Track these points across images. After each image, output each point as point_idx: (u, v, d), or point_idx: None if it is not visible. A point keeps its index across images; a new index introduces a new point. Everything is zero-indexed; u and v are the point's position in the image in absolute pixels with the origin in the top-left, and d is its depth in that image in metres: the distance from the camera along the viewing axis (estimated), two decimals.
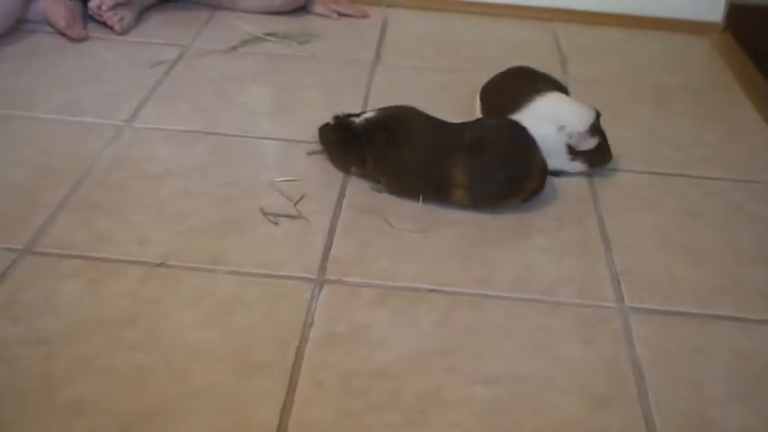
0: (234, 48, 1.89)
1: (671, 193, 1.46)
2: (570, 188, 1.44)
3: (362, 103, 1.68)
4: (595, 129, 1.42)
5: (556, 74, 1.56)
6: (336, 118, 1.40)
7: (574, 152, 1.43)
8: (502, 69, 1.59)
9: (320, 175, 1.43)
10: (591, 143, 1.42)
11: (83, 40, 1.86)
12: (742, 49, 2.05)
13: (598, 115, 1.43)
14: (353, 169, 1.41)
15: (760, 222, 1.39)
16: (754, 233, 1.36)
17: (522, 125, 1.36)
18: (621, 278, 1.24)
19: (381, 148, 1.35)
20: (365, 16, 2.13)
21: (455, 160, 1.31)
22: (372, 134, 1.35)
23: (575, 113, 1.43)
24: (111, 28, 1.90)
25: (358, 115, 1.39)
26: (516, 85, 1.50)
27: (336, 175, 1.43)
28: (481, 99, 1.56)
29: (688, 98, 1.82)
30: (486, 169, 1.31)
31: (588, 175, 1.47)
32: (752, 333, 1.15)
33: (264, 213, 1.31)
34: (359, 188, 1.40)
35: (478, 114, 1.54)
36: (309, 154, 1.47)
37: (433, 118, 1.38)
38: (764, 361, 1.10)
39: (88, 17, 1.91)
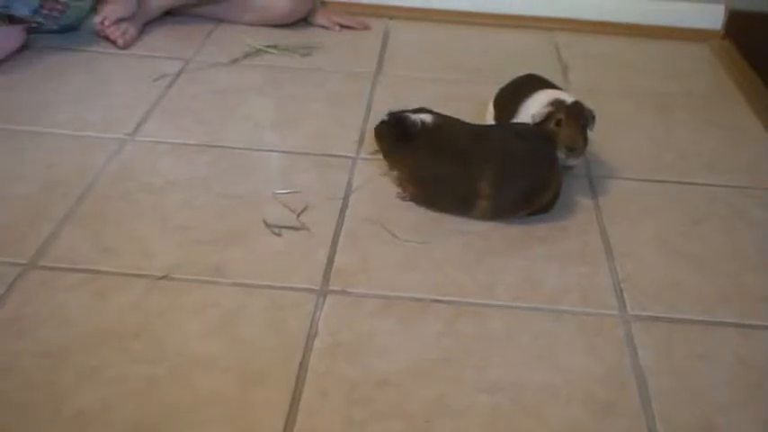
0: (236, 60, 1.90)
1: (673, 200, 1.46)
2: (573, 196, 1.44)
3: (365, 115, 1.69)
4: (572, 114, 1.39)
5: (557, 83, 1.57)
6: (391, 115, 1.37)
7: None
8: (503, 79, 1.60)
9: (323, 186, 1.44)
10: (543, 112, 1.39)
11: None
12: (742, 56, 2.06)
13: (585, 109, 1.42)
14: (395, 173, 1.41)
15: (762, 228, 1.39)
16: (757, 239, 1.36)
17: (548, 139, 1.37)
18: (624, 286, 1.24)
19: (417, 160, 1.35)
20: (366, 28, 2.15)
21: (484, 173, 1.31)
22: (417, 141, 1.34)
23: (546, 98, 1.43)
24: (114, 42, 1.91)
25: (406, 113, 1.36)
26: (523, 91, 1.51)
27: (339, 186, 1.44)
28: (495, 106, 1.57)
29: (689, 105, 1.83)
30: (509, 179, 1.32)
31: (590, 182, 1.48)
32: (755, 339, 1.15)
33: (267, 225, 1.32)
34: (361, 199, 1.41)
35: (490, 121, 1.55)
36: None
37: (469, 126, 1.38)
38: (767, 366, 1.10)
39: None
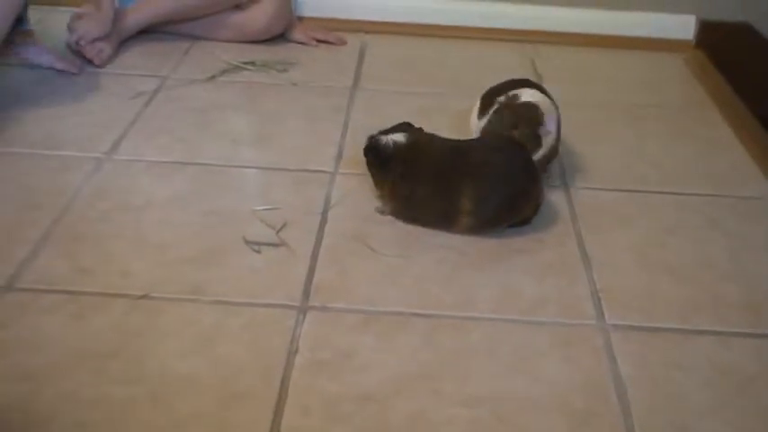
0: (213, 77, 1.90)
1: (648, 210, 1.48)
2: (550, 208, 1.45)
3: (343, 130, 1.69)
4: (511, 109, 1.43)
5: None
6: (370, 139, 1.39)
7: None
8: (480, 92, 1.60)
9: (302, 202, 1.44)
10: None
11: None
12: (713, 66, 2.09)
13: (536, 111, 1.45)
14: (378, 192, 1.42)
15: (736, 237, 1.41)
16: (731, 248, 1.38)
17: (526, 150, 1.38)
18: (602, 296, 1.25)
19: (398, 178, 1.35)
20: (343, 43, 2.16)
21: (463, 189, 1.32)
22: (393, 163, 1.35)
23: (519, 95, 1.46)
24: (90, 61, 1.91)
25: (386, 134, 1.38)
26: (505, 89, 1.53)
27: (318, 202, 1.44)
28: (481, 102, 1.58)
29: (663, 115, 1.85)
30: (489, 194, 1.32)
31: (567, 193, 1.50)
32: (730, 346, 1.16)
33: (247, 242, 1.32)
34: (340, 214, 1.41)
35: (473, 117, 1.56)
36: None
37: (447, 141, 1.39)
38: (743, 373, 1.12)
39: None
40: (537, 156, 1.43)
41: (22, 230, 1.32)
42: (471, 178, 1.32)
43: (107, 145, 1.59)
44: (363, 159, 1.40)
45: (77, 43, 1.90)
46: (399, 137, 1.36)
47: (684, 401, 1.06)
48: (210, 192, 1.46)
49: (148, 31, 2.07)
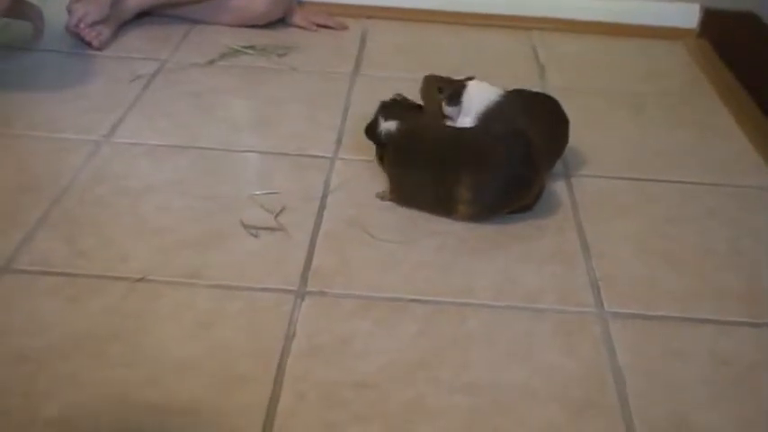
0: (213, 61, 1.89)
1: (649, 198, 1.48)
2: (549, 195, 1.45)
3: (343, 116, 1.69)
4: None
5: (534, 83, 1.57)
6: (369, 126, 1.40)
7: None
8: (481, 79, 1.59)
9: (300, 187, 1.43)
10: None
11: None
12: (717, 55, 2.08)
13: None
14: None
15: (735, 226, 1.41)
16: (730, 237, 1.38)
17: (527, 138, 1.35)
18: (601, 284, 1.25)
19: (396, 162, 1.36)
20: (344, 28, 2.14)
21: (462, 178, 1.31)
22: (392, 147, 1.36)
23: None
24: (88, 44, 1.90)
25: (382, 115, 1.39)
26: None
27: (317, 187, 1.43)
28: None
29: (664, 104, 1.84)
30: (487, 183, 1.32)
31: (567, 181, 1.49)
32: (730, 336, 1.16)
33: (245, 226, 1.32)
34: (339, 199, 1.41)
35: None
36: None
37: (445, 128, 1.40)
38: (743, 363, 1.11)
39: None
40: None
41: (21, 212, 1.32)
42: (470, 168, 1.31)
43: (106, 128, 1.58)
44: (363, 145, 1.40)
45: (76, 26, 1.89)
46: (392, 125, 1.37)
47: (683, 391, 1.06)
48: (209, 176, 1.45)
49: (148, 15, 2.06)
